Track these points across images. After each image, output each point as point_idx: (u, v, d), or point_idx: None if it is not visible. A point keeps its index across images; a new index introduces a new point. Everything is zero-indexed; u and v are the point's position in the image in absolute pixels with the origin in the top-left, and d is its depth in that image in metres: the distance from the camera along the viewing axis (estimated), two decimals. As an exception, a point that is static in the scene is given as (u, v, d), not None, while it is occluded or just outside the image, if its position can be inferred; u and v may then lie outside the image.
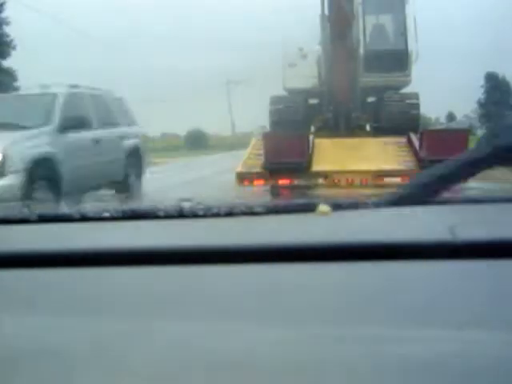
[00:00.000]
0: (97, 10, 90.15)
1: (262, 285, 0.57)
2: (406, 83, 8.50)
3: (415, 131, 6.65)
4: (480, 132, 54.31)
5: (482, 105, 53.76)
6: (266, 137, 6.31)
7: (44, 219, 0.92)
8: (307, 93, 8.75)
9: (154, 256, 0.64)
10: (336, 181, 5.80)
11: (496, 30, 69.02)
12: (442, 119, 64.37)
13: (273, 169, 5.81)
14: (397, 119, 7.61)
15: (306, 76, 8.66)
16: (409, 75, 8.38)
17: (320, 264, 0.60)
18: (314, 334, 0.44)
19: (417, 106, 8.05)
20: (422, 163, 5.56)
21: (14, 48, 30.81)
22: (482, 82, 53.44)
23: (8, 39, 30.42)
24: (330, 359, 0.40)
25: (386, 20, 8.61)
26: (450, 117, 65.31)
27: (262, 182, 6.00)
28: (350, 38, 7.66)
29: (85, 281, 0.61)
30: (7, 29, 30.23)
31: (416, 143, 5.97)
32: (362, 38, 8.28)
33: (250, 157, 6.51)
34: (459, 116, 64.37)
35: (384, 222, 0.82)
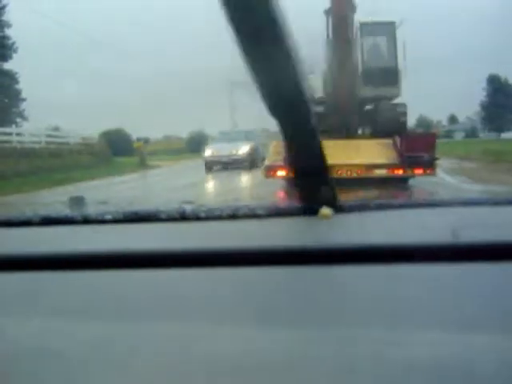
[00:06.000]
0: (99, 13, 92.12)
1: (264, 287, 0.60)
2: (397, 95, 10.87)
3: (405, 134, 9.06)
4: (482, 134, 56.44)
5: (483, 107, 55.85)
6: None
7: (46, 221, 0.97)
8: (314, 102, 11.09)
9: (157, 259, 0.68)
10: (338, 172, 8.17)
11: (498, 32, 71.61)
12: (445, 121, 66.89)
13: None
14: (389, 124, 9.95)
15: (313, 88, 11.04)
16: (399, 88, 10.77)
17: (322, 267, 0.63)
18: (316, 336, 0.46)
19: (405, 114, 10.41)
20: (402, 158, 7.99)
21: (15, 51, 32.76)
22: (484, 84, 55.79)
23: (9, 42, 32.34)
24: (331, 361, 0.42)
25: (380, 42, 10.97)
26: (452, 119, 67.77)
27: (283, 172, 8.35)
28: (350, 57, 10.06)
29: (87, 283, 0.64)
30: (9, 31, 32.17)
31: (398, 143, 8.39)
32: (360, 57, 10.67)
33: (272, 153, 8.87)
34: (461, 118, 66.81)
35: (386, 224, 0.85)
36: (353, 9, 9.81)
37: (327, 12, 10.15)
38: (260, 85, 0.72)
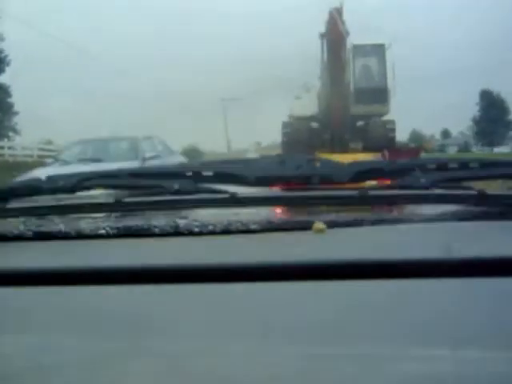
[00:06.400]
0: (96, 28, 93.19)
1: (258, 303, 0.61)
2: (386, 112, 11.95)
3: (393, 148, 10.07)
4: (475, 149, 57.59)
5: (476, 122, 56.84)
6: (286, 152, 9.75)
7: (39, 236, 0.98)
8: (310, 119, 12.17)
9: (150, 274, 0.68)
10: None
11: (491, 49, 73.63)
12: (438, 136, 68.32)
13: None
14: (378, 140, 10.96)
15: (309, 106, 12.08)
16: (388, 106, 11.83)
17: (316, 282, 0.64)
18: (312, 352, 0.47)
19: (393, 130, 11.48)
20: None
21: (8, 64, 33.30)
22: (476, 99, 57.12)
23: (2, 55, 32.88)
24: (329, 377, 0.43)
25: (371, 63, 12.03)
26: (445, 134, 69.29)
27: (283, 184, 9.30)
28: (343, 78, 11.11)
29: (80, 299, 0.64)
30: (2, 45, 32.70)
31: (387, 157, 9.38)
32: (352, 76, 11.72)
33: None
34: (454, 133, 68.22)
35: (379, 239, 0.86)
36: (346, 33, 10.87)
37: (322, 36, 11.23)
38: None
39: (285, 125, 12.07)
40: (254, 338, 0.51)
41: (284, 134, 11.92)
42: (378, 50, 11.83)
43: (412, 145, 24.11)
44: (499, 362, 0.44)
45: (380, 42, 11.91)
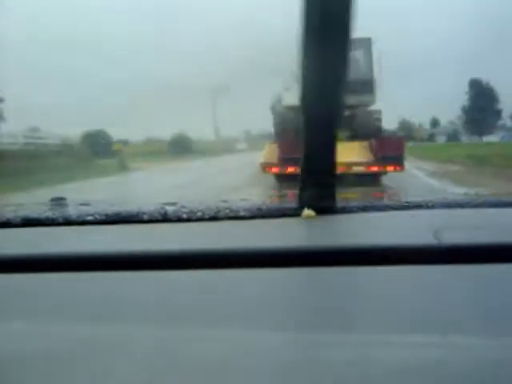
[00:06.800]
0: (83, 13, 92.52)
1: (247, 289, 0.61)
2: (373, 102, 12.70)
3: (379, 137, 10.92)
4: (464, 138, 58.61)
5: (465, 111, 57.61)
6: (280, 141, 10.56)
7: (27, 223, 0.99)
8: (299, 109, 12.94)
9: (138, 260, 0.70)
10: None
11: (481, 37, 74.55)
12: (427, 125, 69.32)
13: (284, 160, 9.92)
14: (365, 129, 11.77)
15: (298, 96, 12.85)
16: (374, 96, 12.61)
17: (305, 268, 0.65)
18: (301, 338, 0.47)
19: (380, 120, 12.27)
20: (375, 157, 9.91)
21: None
22: (466, 88, 58.05)
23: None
24: (318, 364, 0.43)
25: (358, 56, 12.80)
26: (434, 123, 70.32)
27: (276, 169, 10.11)
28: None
29: (68, 285, 0.65)
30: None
31: (373, 145, 10.24)
32: (340, 69, 12.51)
33: (267, 153, 10.65)
34: (443, 122, 69.20)
35: (369, 226, 0.88)
36: None
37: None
38: (306, 78, 0.83)
39: (276, 115, 12.83)
40: (243, 324, 0.51)
41: (275, 124, 12.69)
42: (365, 44, 12.58)
43: (400, 133, 25.10)
44: (488, 348, 0.44)
45: (367, 36, 12.68)
